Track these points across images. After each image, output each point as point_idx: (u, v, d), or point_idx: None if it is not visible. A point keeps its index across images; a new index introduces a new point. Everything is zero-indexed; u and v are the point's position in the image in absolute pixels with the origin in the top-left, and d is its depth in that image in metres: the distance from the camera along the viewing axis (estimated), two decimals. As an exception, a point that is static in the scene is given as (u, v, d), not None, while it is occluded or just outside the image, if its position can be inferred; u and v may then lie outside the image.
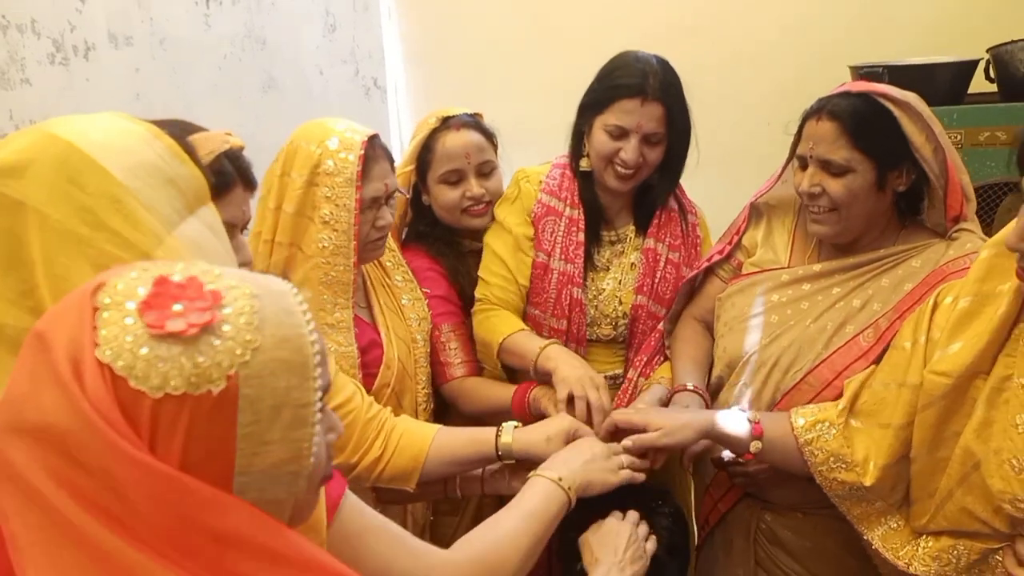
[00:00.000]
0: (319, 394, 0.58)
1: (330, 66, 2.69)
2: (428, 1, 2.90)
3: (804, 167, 1.30)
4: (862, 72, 2.36)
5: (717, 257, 1.49)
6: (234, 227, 1.09)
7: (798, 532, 1.36)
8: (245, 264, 1.14)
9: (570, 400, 1.32)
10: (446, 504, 1.55)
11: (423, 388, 1.50)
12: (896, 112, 1.24)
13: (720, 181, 1.83)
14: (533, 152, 1.72)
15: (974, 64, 2.32)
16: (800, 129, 1.31)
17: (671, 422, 1.23)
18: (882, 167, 1.25)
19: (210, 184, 0.87)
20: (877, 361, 1.25)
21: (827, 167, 1.26)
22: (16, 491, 0.53)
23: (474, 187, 1.59)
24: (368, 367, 1.36)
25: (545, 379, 1.42)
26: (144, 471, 0.51)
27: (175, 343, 0.53)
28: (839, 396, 1.29)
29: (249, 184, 1.12)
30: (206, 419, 0.53)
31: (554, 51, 2.73)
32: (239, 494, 0.55)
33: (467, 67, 2.91)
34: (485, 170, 1.61)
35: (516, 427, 1.27)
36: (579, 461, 1.15)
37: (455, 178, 1.59)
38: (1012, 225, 1.07)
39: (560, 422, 1.27)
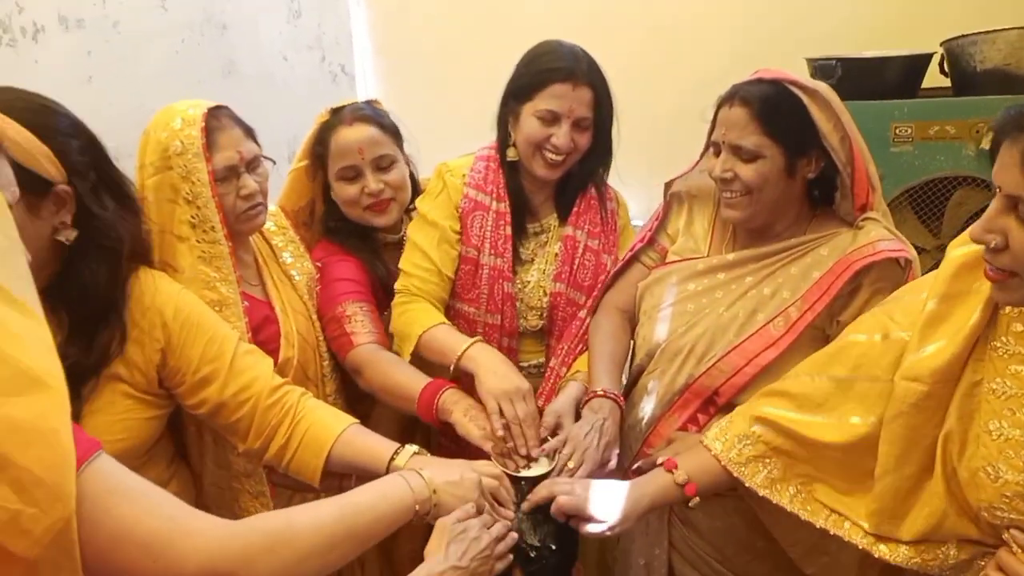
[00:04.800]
0: None
1: (295, 52, 2.71)
2: (396, -12, 2.92)
3: (717, 153, 1.31)
4: (817, 64, 2.37)
5: (639, 245, 1.50)
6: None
7: (709, 513, 1.37)
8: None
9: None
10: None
11: (327, 361, 1.50)
12: (805, 99, 1.25)
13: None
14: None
15: (928, 57, 2.32)
16: (715, 115, 1.32)
17: (612, 518, 1.17)
18: (791, 153, 1.26)
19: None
20: (787, 349, 1.27)
21: (738, 152, 1.27)
22: None
23: (371, 183, 1.55)
24: (266, 344, 1.36)
25: (465, 379, 1.38)
26: None
27: None
28: (748, 383, 1.30)
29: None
30: None
31: (523, 39, 2.75)
32: None
33: (436, 54, 2.92)
34: (383, 164, 1.57)
35: (416, 453, 1.19)
36: (448, 477, 1.11)
37: (351, 174, 1.56)
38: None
39: (464, 465, 1.18)
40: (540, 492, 1.18)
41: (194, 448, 1.37)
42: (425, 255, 1.52)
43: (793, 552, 1.33)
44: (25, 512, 0.68)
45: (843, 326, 1.22)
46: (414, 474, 1.08)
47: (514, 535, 1.14)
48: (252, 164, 1.38)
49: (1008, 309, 0.99)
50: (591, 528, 1.17)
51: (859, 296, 1.26)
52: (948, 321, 1.05)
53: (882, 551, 1.10)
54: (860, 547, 1.11)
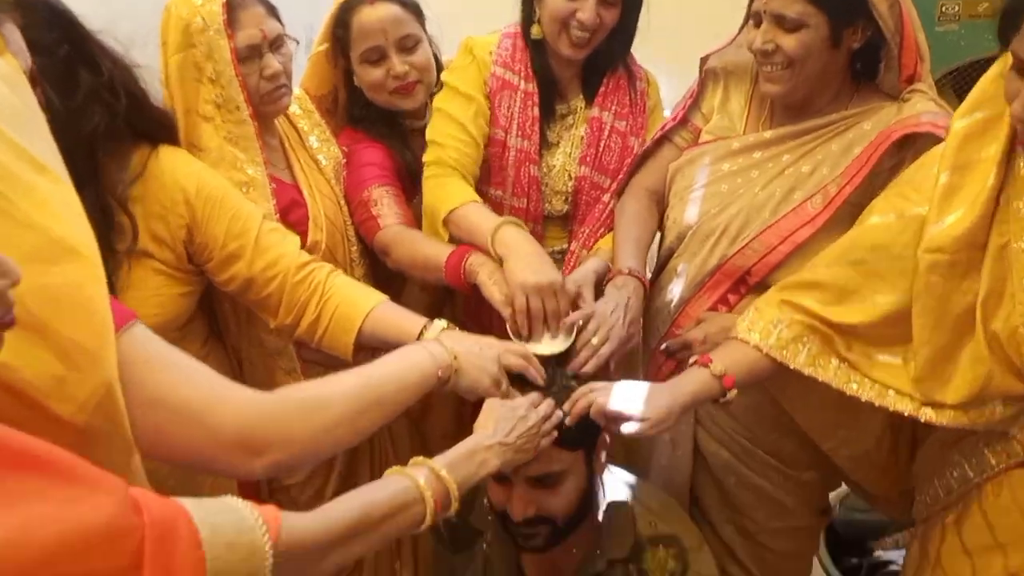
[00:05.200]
0: None
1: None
2: None
3: (758, 24, 1.25)
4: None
5: (671, 124, 1.45)
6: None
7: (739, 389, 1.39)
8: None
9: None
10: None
11: (355, 246, 1.50)
12: None
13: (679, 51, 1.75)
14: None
15: (983, -73, 2.17)
16: (756, -15, 1.25)
17: (655, 413, 1.15)
18: (836, 22, 1.19)
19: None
20: (824, 227, 1.24)
21: (781, 22, 1.21)
22: None
23: (396, 65, 1.49)
24: (294, 227, 1.36)
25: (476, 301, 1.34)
26: None
27: None
28: (782, 261, 1.29)
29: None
30: None
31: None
32: None
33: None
34: (407, 44, 1.50)
35: (446, 328, 1.19)
36: (469, 347, 1.11)
37: (375, 56, 1.49)
38: (984, 90, 1.05)
39: (490, 340, 1.18)
40: (581, 403, 1.17)
41: (230, 325, 1.40)
42: (461, 127, 1.46)
43: (814, 430, 1.35)
44: (69, 377, 0.68)
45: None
46: (435, 343, 1.09)
47: (560, 413, 1.15)
48: (275, 43, 1.34)
49: None
50: (628, 428, 1.16)
51: (900, 170, 1.21)
52: (963, 190, 1.04)
53: (928, 415, 1.11)
54: (907, 413, 1.13)
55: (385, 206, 1.48)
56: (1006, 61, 0.98)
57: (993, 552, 1.13)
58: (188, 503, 0.68)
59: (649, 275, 1.54)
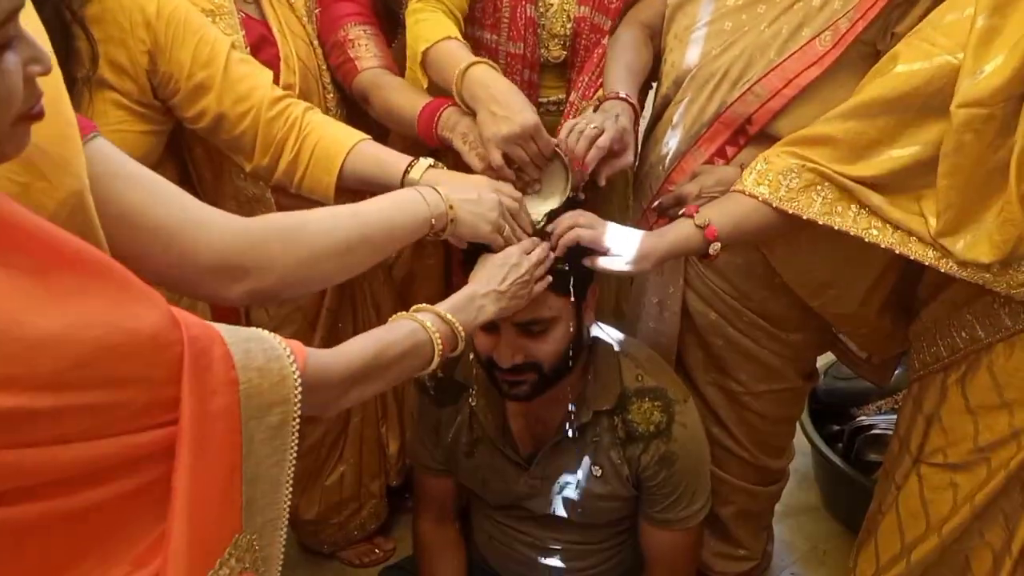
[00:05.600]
0: None
1: None
2: None
3: None
4: None
5: None
6: None
7: (728, 249, 1.33)
8: None
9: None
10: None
11: (331, 93, 1.41)
12: None
13: None
14: None
15: None
16: None
17: (632, 252, 1.12)
18: None
19: None
20: (831, 66, 1.16)
21: None
22: None
23: None
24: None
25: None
26: None
27: None
28: (785, 106, 1.21)
29: None
30: None
31: None
32: None
33: None
34: None
35: (432, 166, 1.12)
36: (466, 195, 1.05)
37: None
38: None
39: (483, 182, 1.12)
40: (564, 222, 1.12)
41: (204, 173, 1.32)
42: None
43: (802, 289, 1.31)
44: (34, 185, 0.66)
45: (898, 39, 1.10)
46: (430, 189, 1.03)
47: (552, 256, 1.11)
48: None
49: None
50: (605, 262, 1.13)
51: (920, 3, 1.12)
52: (1004, 33, 0.95)
53: (951, 267, 1.06)
54: (928, 263, 1.08)
55: (363, 47, 1.37)
56: None
57: (999, 411, 1.12)
58: (222, 328, 0.69)
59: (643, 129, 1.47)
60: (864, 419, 1.89)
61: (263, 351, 0.70)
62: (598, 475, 1.28)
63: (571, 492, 1.30)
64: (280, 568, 0.75)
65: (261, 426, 0.69)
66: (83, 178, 0.72)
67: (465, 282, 1.07)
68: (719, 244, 1.14)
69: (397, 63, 1.41)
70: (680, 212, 1.19)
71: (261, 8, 1.34)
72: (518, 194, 1.14)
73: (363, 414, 1.75)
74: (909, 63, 1.04)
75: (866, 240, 1.10)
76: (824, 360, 1.80)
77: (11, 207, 0.57)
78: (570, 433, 1.26)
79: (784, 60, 1.18)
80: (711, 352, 1.46)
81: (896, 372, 1.60)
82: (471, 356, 1.29)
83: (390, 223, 0.98)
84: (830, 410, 2.03)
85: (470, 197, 1.06)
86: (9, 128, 0.58)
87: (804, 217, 1.11)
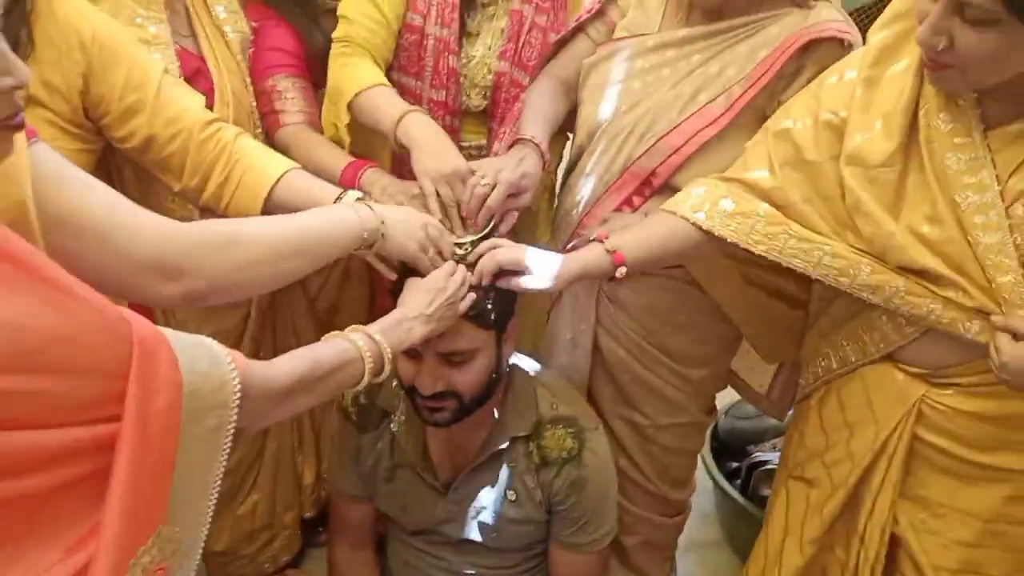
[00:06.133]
0: None
1: None
2: None
3: (679, -76, 1.27)
4: None
5: (586, 16, 1.45)
6: None
7: (635, 290, 1.44)
8: None
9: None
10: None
11: (260, 129, 1.47)
12: None
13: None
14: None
15: None
16: None
17: (546, 271, 1.19)
18: None
19: None
20: (726, 127, 1.30)
21: None
22: None
23: None
24: None
25: (401, 150, 1.31)
26: None
27: None
28: (684, 162, 1.33)
29: None
30: None
31: None
32: None
33: None
34: None
35: (359, 199, 1.17)
36: (397, 215, 1.12)
37: None
38: (901, 4, 1.07)
39: (411, 208, 1.20)
40: (484, 246, 1.20)
41: (132, 193, 1.34)
42: (374, 4, 1.42)
43: (721, 299, 1.42)
44: None
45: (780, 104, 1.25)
46: (363, 205, 1.10)
47: (470, 276, 1.18)
48: None
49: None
50: (523, 282, 1.20)
51: (802, 75, 1.27)
52: (876, 103, 1.09)
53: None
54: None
55: (289, 100, 1.44)
56: None
57: (842, 430, 1.26)
58: (167, 332, 0.72)
59: (560, 176, 1.58)
60: (760, 455, 2.02)
61: (207, 356, 0.75)
62: (513, 499, 1.34)
63: (487, 516, 1.36)
64: (196, 565, 0.78)
65: (199, 428, 0.73)
66: (26, 187, 0.75)
67: (392, 309, 1.13)
68: (625, 268, 1.23)
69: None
70: (592, 237, 1.28)
71: (197, 42, 1.39)
72: (438, 223, 1.21)
73: (279, 441, 1.75)
74: (797, 119, 1.17)
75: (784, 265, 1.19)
76: (725, 400, 1.93)
77: None
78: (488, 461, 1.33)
79: (684, 120, 1.32)
80: (619, 386, 1.55)
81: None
82: (394, 383, 1.35)
83: (324, 234, 1.04)
84: (730, 448, 2.16)
85: (400, 216, 1.13)
86: None
87: (731, 241, 1.18)
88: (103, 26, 1.14)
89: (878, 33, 1.11)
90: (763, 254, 1.17)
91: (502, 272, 1.20)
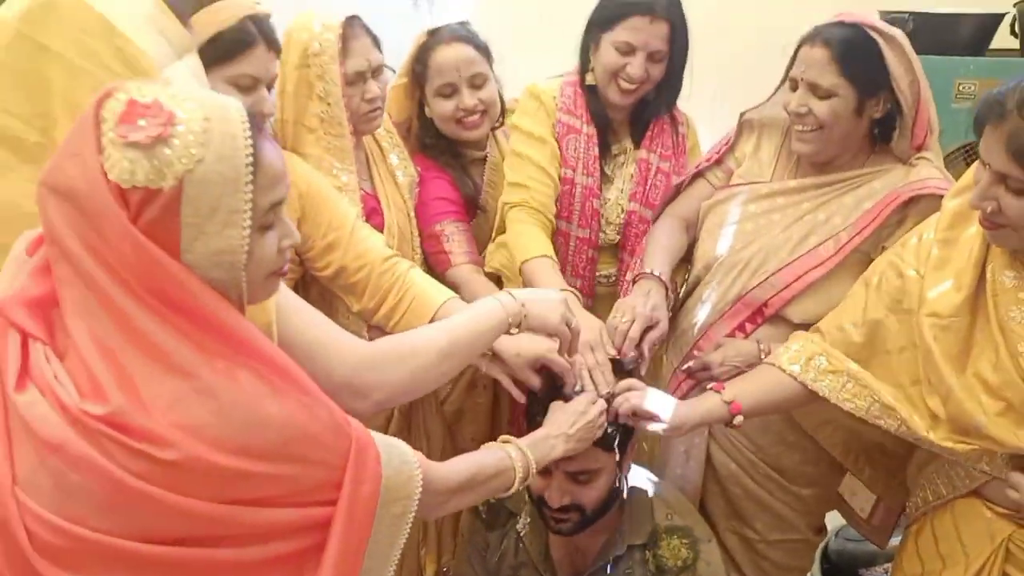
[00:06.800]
0: (249, 204, 0.79)
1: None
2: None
3: (794, 88, 1.44)
4: (889, 16, 2.44)
5: (705, 164, 1.64)
6: (258, 80, 1.30)
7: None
8: (264, 115, 1.37)
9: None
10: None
11: (418, 254, 1.69)
12: (882, 44, 1.37)
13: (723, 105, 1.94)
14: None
15: (1000, 17, 2.38)
16: (795, 53, 1.45)
17: (673, 421, 1.32)
18: (863, 94, 1.38)
19: (234, 42, 1.18)
20: (834, 269, 1.43)
21: (815, 90, 1.40)
22: (52, 242, 0.78)
23: (467, 99, 1.69)
24: None
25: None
26: (125, 231, 0.75)
27: (136, 149, 0.74)
28: (795, 297, 1.47)
29: (272, 45, 1.33)
30: (160, 208, 0.75)
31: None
32: (189, 267, 0.78)
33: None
34: (477, 82, 1.71)
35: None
36: (536, 296, 1.24)
37: (448, 91, 1.70)
38: (970, 174, 1.19)
39: (553, 296, 1.30)
40: (620, 386, 1.35)
41: (319, 308, 1.58)
42: (542, 169, 1.66)
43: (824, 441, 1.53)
44: None
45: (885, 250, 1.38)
46: (505, 293, 1.23)
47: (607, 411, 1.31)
48: (377, 71, 1.55)
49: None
50: (651, 427, 1.34)
51: (904, 226, 1.40)
52: (951, 262, 1.21)
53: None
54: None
55: (455, 243, 1.69)
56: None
57: (936, 559, 1.32)
58: (371, 432, 0.90)
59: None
60: (870, 577, 2.03)
61: (399, 455, 0.93)
62: (630, 604, 1.44)
63: (604, 618, 1.46)
64: None
65: (387, 513, 0.90)
66: (272, 312, 0.97)
67: (520, 422, 1.28)
68: (742, 417, 1.35)
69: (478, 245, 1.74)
70: (710, 386, 1.41)
71: (373, 184, 1.66)
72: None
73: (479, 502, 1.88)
74: (881, 275, 1.30)
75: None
76: (836, 522, 1.96)
77: (248, 326, 0.82)
78: (608, 568, 1.44)
79: (795, 260, 1.46)
80: (731, 500, 1.65)
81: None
82: (521, 488, 1.49)
83: (476, 331, 1.18)
84: (840, 571, 2.16)
85: (539, 297, 1.26)
86: (262, 280, 0.85)
87: (823, 396, 1.31)
88: (314, 179, 1.42)
89: (952, 200, 1.25)
90: (852, 412, 1.30)
91: (634, 414, 1.34)
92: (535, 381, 1.33)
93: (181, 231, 0.77)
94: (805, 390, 1.32)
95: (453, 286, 1.63)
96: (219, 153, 0.77)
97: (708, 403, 1.36)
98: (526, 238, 1.62)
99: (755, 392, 1.37)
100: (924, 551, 1.35)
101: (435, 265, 1.70)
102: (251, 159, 0.79)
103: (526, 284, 1.58)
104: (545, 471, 1.33)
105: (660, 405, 1.35)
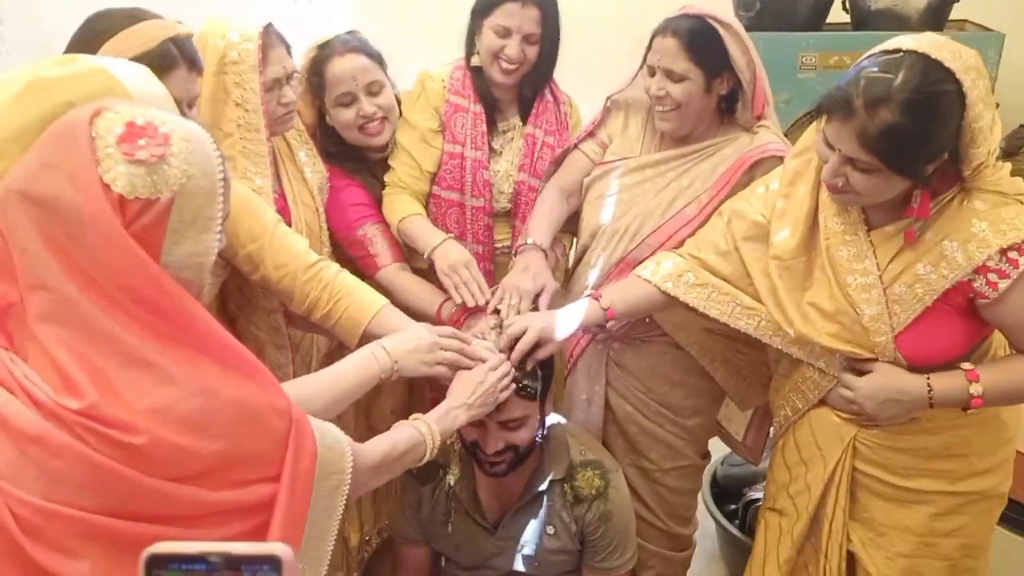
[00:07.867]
0: (220, 213, 0.91)
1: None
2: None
3: (652, 74, 1.65)
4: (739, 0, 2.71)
5: (583, 136, 1.83)
6: (179, 102, 1.27)
7: (637, 356, 1.79)
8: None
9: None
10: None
11: (327, 247, 1.78)
12: (722, 31, 1.59)
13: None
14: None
15: (833, -5, 2.69)
16: (650, 43, 1.66)
17: (562, 334, 1.54)
18: (709, 75, 1.61)
19: (154, 66, 1.13)
20: (698, 227, 1.66)
21: (670, 75, 1.61)
22: (15, 245, 0.85)
23: (365, 106, 1.77)
24: None
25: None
26: (115, 236, 0.84)
27: (140, 165, 0.85)
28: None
29: (194, 65, 1.34)
30: (154, 216, 0.86)
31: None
32: (164, 268, 0.87)
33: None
34: (374, 89, 1.78)
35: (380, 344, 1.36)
36: (406, 347, 1.36)
37: (347, 100, 1.77)
38: (807, 138, 1.43)
39: (423, 331, 1.42)
40: (514, 329, 1.51)
41: (232, 302, 1.67)
42: (408, 153, 1.84)
43: (693, 349, 1.77)
44: None
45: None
46: (380, 348, 1.33)
47: (512, 371, 1.47)
48: (291, 77, 1.62)
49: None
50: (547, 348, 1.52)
51: (752, 185, 1.65)
52: (788, 213, 1.46)
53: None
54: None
55: (379, 244, 1.81)
56: (820, 123, 1.31)
57: (799, 466, 1.58)
58: (306, 415, 1.01)
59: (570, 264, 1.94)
60: (752, 495, 2.32)
61: (331, 434, 1.03)
62: (551, 533, 1.64)
63: (530, 549, 1.65)
64: None
65: (324, 486, 0.99)
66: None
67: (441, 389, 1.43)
68: (613, 321, 1.59)
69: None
70: (587, 294, 1.64)
71: (280, 183, 1.72)
72: (458, 333, 1.49)
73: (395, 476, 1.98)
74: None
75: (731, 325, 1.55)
76: (721, 452, 2.24)
77: (210, 319, 0.92)
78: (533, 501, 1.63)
79: (666, 222, 1.69)
80: (628, 437, 1.88)
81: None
82: (448, 442, 1.66)
83: (357, 383, 1.30)
84: (727, 492, 2.46)
85: (409, 348, 1.36)
86: (210, 278, 0.96)
87: (693, 306, 1.55)
88: (236, 189, 1.45)
89: (791, 160, 1.49)
90: (716, 317, 1.54)
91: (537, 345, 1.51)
92: (446, 372, 1.42)
93: (166, 236, 0.88)
94: (667, 298, 1.57)
95: (383, 287, 1.75)
96: (203, 169, 0.89)
97: (587, 309, 1.56)
98: (397, 203, 1.81)
99: (627, 300, 1.59)
100: (789, 459, 1.61)
101: (364, 269, 1.78)
102: (223, 174, 0.92)
103: (405, 241, 1.78)
104: (479, 423, 1.48)
105: (548, 327, 1.52)
